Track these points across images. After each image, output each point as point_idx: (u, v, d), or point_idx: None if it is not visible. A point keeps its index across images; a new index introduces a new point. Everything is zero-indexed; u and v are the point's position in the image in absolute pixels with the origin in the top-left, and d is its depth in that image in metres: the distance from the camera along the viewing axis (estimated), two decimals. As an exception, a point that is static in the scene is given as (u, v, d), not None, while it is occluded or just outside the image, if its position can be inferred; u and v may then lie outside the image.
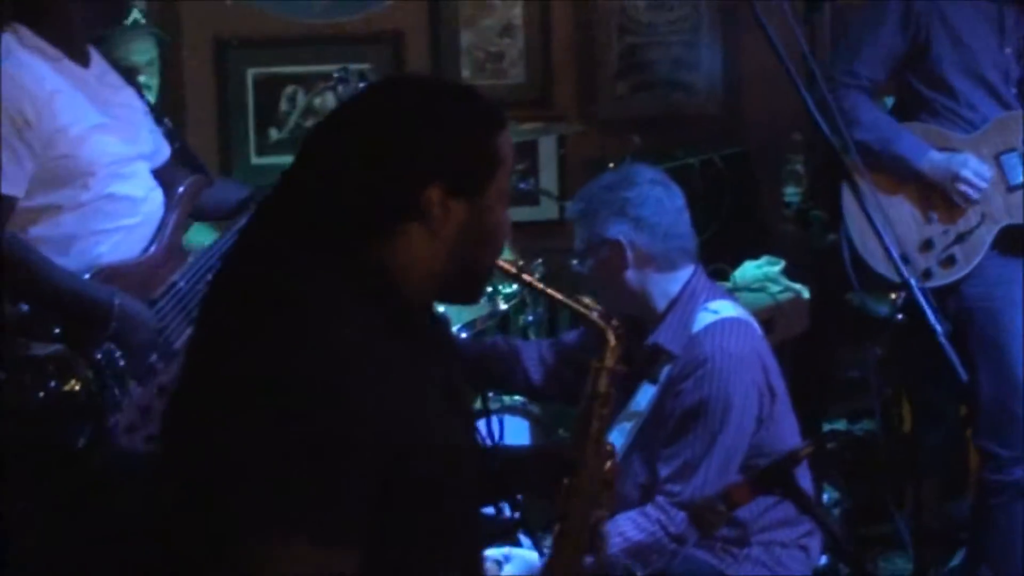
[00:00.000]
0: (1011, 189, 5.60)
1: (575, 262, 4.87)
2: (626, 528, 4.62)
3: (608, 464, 3.47)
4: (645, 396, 4.82)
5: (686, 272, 4.80)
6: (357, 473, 2.73)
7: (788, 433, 4.81)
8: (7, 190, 4.68)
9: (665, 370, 4.78)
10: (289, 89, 6.87)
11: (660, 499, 4.65)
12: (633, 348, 4.69)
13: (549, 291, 3.55)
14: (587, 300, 3.85)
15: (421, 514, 2.90)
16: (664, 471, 4.68)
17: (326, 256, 2.90)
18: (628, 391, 4.83)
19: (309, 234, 2.93)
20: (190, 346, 3.00)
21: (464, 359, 3.36)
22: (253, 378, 2.74)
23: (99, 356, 4.67)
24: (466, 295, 3.26)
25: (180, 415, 2.93)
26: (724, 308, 4.79)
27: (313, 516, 2.67)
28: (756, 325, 4.84)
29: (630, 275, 4.78)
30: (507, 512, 4.24)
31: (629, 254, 4.75)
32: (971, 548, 5.93)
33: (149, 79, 6.04)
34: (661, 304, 4.81)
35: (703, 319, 4.75)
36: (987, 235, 5.56)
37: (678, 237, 4.80)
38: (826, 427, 6.50)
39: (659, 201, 4.80)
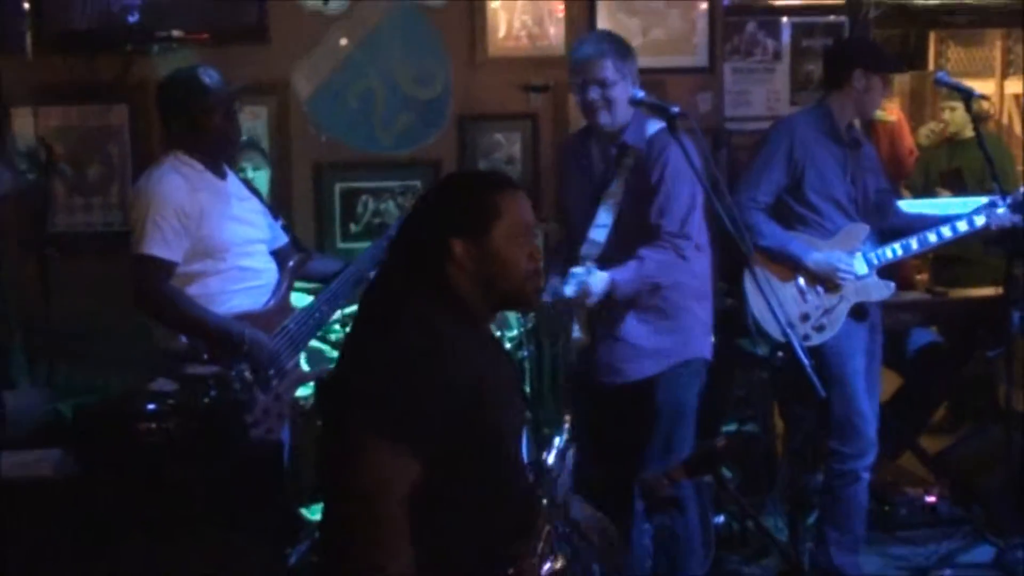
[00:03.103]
0: (858, 278, 5.67)
1: (616, 88, 5.06)
2: (648, 255, 5.03)
3: None
4: (616, 184, 5.10)
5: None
6: (430, 412, 2.98)
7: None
8: (172, 257, 4.89)
9: (629, 162, 5.09)
10: (363, 197, 6.87)
11: (664, 235, 5.03)
12: (607, 153, 5.17)
13: None
14: None
15: (478, 447, 3.10)
16: (659, 219, 5.04)
17: (417, 287, 3.16)
18: (604, 184, 5.15)
19: (404, 277, 3.20)
20: (347, 339, 3.33)
21: None
22: (380, 353, 3.04)
23: (234, 373, 4.76)
24: (517, 305, 3.64)
25: (338, 377, 3.23)
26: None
27: (394, 428, 2.93)
28: None
29: (635, 91, 4.99)
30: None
31: (636, 77, 5.12)
32: (820, 514, 5.97)
33: (263, 172, 6.17)
34: (630, 116, 5.12)
35: (652, 126, 5.09)
36: (844, 309, 5.70)
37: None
38: (724, 428, 6.51)
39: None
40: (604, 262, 5.08)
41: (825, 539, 5.85)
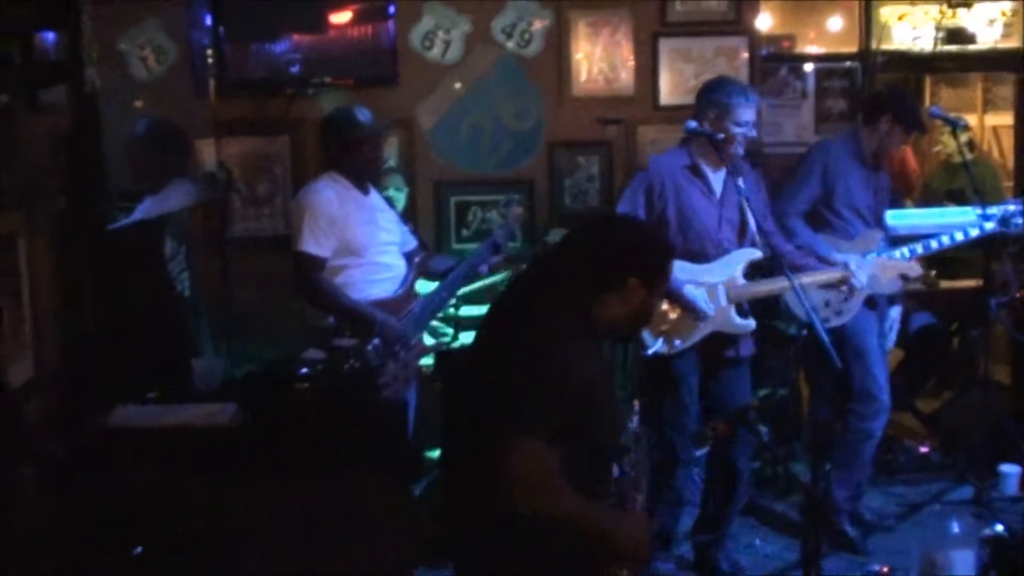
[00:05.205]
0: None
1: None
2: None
3: None
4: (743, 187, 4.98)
5: None
6: (566, 407, 2.92)
7: None
8: (322, 253, 4.89)
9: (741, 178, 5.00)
10: (473, 208, 6.86)
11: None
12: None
13: None
14: None
15: (592, 436, 3.04)
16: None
17: (563, 302, 3.08)
18: (731, 205, 5.06)
19: (555, 287, 3.11)
20: (480, 339, 3.22)
21: None
22: (521, 358, 2.97)
23: (370, 347, 4.75)
24: (626, 338, 3.72)
25: (475, 376, 3.11)
26: None
27: (540, 425, 2.87)
28: None
29: (688, 122, 5.01)
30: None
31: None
32: (835, 461, 5.86)
33: (403, 193, 6.17)
34: None
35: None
36: (859, 299, 5.57)
37: None
38: (759, 393, 6.45)
39: None
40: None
41: (831, 477, 5.78)
